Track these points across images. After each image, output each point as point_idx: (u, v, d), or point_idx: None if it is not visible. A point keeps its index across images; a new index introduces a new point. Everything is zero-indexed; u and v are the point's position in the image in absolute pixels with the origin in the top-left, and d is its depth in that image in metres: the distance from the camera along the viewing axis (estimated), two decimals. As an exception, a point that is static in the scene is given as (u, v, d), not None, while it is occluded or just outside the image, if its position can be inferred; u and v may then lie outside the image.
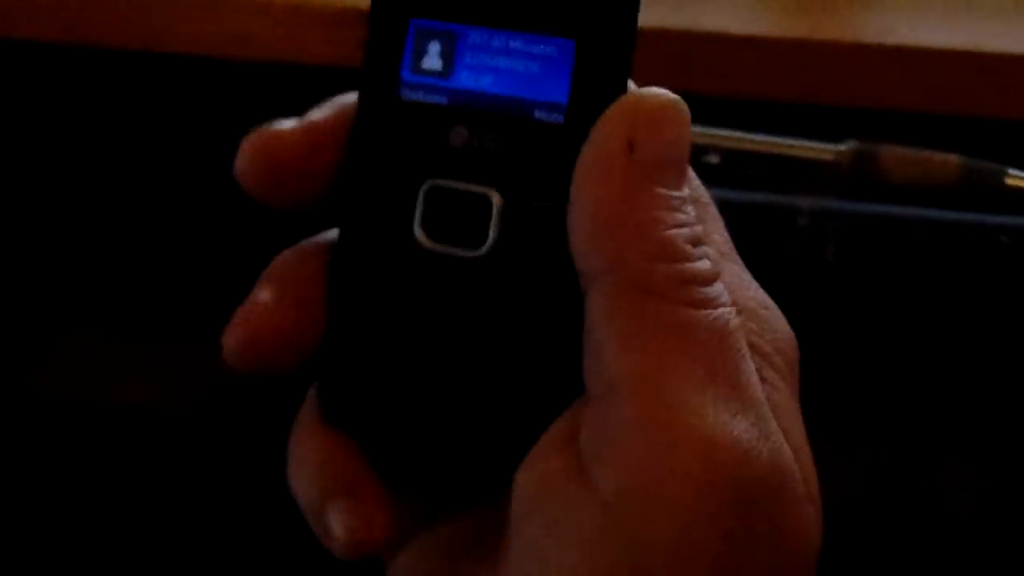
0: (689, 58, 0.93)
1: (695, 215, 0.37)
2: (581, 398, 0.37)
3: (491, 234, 0.38)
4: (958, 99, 0.93)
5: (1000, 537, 0.89)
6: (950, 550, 0.89)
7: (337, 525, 0.38)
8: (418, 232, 0.38)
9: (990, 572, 0.90)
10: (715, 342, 0.36)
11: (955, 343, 0.87)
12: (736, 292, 0.37)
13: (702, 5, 0.99)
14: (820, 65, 0.93)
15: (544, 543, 0.35)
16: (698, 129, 0.77)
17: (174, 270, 1.07)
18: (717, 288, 0.37)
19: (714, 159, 0.83)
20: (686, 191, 0.37)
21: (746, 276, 0.39)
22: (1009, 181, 0.84)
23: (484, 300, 0.38)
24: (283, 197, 0.38)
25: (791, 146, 0.85)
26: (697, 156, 0.77)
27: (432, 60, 0.38)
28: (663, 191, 0.36)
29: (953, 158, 0.84)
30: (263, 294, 0.38)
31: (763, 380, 0.37)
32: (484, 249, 0.38)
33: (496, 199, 0.38)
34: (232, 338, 0.38)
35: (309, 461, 0.39)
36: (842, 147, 0.85)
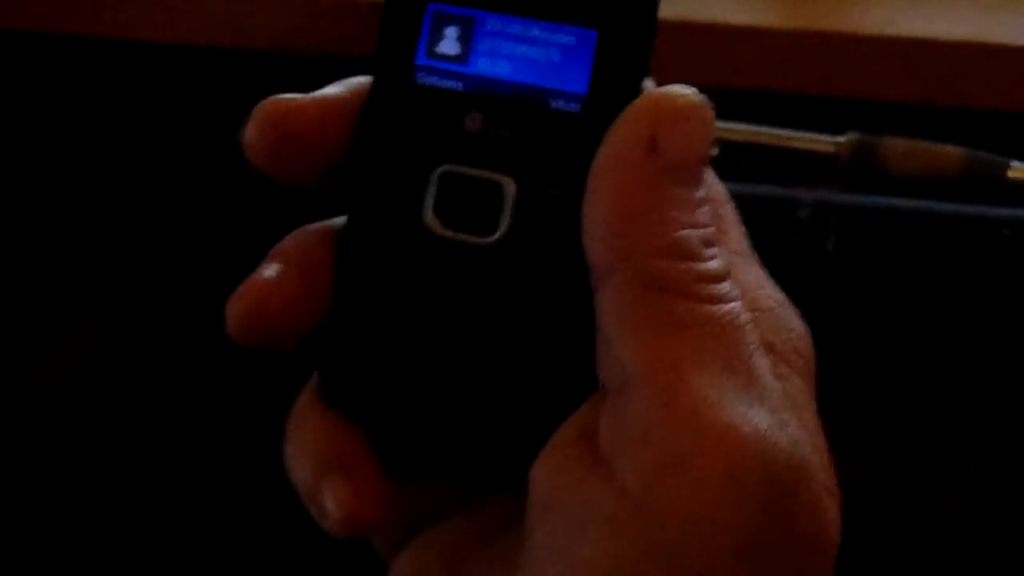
0: (688, 49, 0.94)
1: (710, 214, 0.37)
2: (596, 393, 0.37)
3: (503, 222, 0.38)
4: (959, 90, 0.93)
5: (1000, 537, 0.90)
6: (950, 550, 0.90)
7: (331, 501, 0.38)
8: (429, 217, 0.38)
9: (990, 572, 0.91)
10: (727, 336, 0.36)
11: (956, 337, 0.88)
12: (752, 291, 0.38)
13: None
14: (820, 56, 0.94)
15: (565, 536, 0.35)
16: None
17: (171, 262, 1.07)
18: (727, 285, 0.37)
19: (714, 151, 0.83)
20: (703, 191, 0.37)
21: (762, 275, 0.39)
22: (1011, 173, 0.84)
23: (493, 288, 0.38)
24: (292, 171, 0.38)
25: (792, 138, 0.86)
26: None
27: (449, 45, 0.38)
28: (680, 191, 0.37)
29: (954, 150, 0.84)
30: (269, 268, 0.38)
31: (778, 376, 0.37)
32: (496, 237, 0.38)
33: (510, 187, 0.38)
34: (236, 308, 0.38)
35: (306, 442, 0.38)
36: (843, 139, 0.86)
